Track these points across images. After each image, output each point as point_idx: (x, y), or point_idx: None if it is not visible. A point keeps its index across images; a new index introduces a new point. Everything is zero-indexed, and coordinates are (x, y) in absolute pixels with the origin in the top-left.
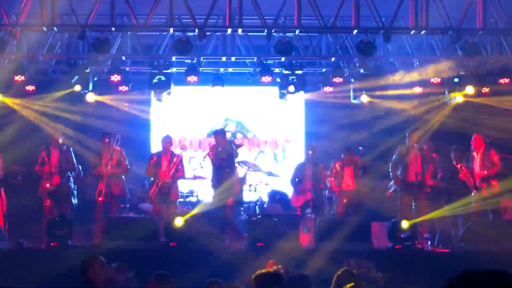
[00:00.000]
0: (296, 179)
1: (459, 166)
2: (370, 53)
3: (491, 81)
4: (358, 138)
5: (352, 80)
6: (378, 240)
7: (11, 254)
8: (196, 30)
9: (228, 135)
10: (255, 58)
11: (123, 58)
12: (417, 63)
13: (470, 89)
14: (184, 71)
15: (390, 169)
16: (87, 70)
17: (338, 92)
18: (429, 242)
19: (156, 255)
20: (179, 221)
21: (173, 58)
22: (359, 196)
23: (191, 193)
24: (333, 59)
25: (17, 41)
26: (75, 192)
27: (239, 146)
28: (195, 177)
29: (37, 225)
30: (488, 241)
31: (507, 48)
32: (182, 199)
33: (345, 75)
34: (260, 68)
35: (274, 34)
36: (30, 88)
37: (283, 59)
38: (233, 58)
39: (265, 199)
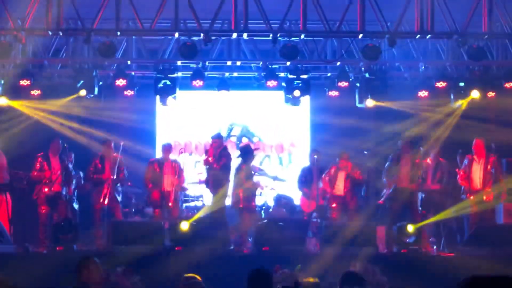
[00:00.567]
0: (303, 185)
1: (457, 170)
2: (375, 58)
3: (496, 86)
4: (364, 143)
5: (358, 84)
6: (384, 244)
7: (17, 258)
8: (202, 35)
9: (234, 139)
10: (261, 63)
11: (129, 62)
12: (423, 67)
13: (475, 93)
14: (189, 75)
15: (382, 175)
16: (93, 75)
17: (344, 96)
18: (435, 246)
19: (162, 259)
20: (184, 226)
21: (179, 63)
22: (348, 203)
23: (196, 197)
24: (338, 63)
25: (23, 46)
26: (74, 197)
27: (256, 149)
28: (200, 182)
29: (42, 229)
30: (494, 245)
31: None
32: (187, 204)
33: (351, 79)
34: (265, 73)
35: (279, 38)
36: (36, 92)
37: (288, 63)
38: (238, 63)
39: (271, 203)
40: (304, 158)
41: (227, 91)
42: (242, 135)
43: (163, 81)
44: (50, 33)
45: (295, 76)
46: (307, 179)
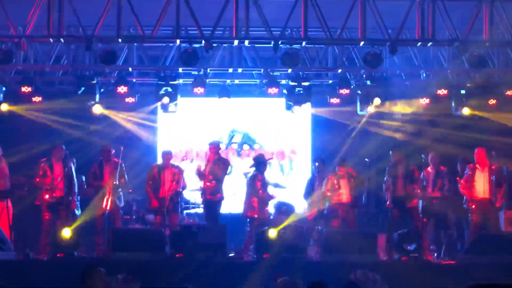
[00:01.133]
0: (308, 194)
1: (458, 178)
2: (376, 65)
3: (497, 93)
4: (365, 150)
5: (359, 91)
6: (385, 252)
7: (17, 265)
8: (203, 42)
9: (235, 146)
10: (262, 70)
11: (130, 69)
12: (424, 75)
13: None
14: (190, 82)
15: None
16: (94, 82)
17: (345, 104)
18: (435, 254)
19: (162, 267)
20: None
21: (180, 70)
22: (354, 207)
23: (197, 204)
24: (339, 70)
25: (24, 53)
26: (78, 203)
27: (269, 159)
28: (201, 189)
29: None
30: (495, 254)
31: None
32: (188, 210)
33: (352, 86)
34: (266, 80)
35: (280, 45)
36: (37, 99)
37: (289, 70)
38: (239, 70)
39: (272, 210)
40: (305, 165)
41: (228, 98)
42: (243, 142)
43: (164, 88)
44: (51, 40)
45: (296, 83)
46: (309, 189)
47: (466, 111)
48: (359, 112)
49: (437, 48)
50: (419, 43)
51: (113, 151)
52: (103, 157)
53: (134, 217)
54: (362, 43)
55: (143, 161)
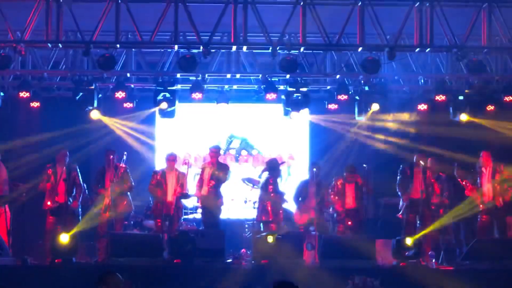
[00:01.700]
0: (300, 198)
1: (464, 182)
2: (375, 71)
3: (496, 99)
4: (362, 156)
5: (357, 97)
6: (383, 258)
7: (16, 271)
8: (201, 47)
9: (233, 152)
10: (260, 75)
11: (128, 75)
12: (422, 81)
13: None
14: (188, 88)
15: (397, 189)
16: (92, 87)
17: (343, 109)
18: (434, 260)
19: (160, 272)
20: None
21: (178, 75)
22: (360, 215)
23: (195, 209)
24: (338, 76)
25: (22, 58)
26: (79, 209)
27: (282, 163)
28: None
29: (41, 241)
30: (493, 259)
31: None
32: (186, 216)
33: (350, 92)
34: (264, 85)
35: (279, 51)
36: (35, 104)
37: (288, 76)
38: (238, 75)
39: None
40: (303, 171)
41: (227, 104)
42: (241, 147)
43: (162, 94)
44: (49, 45)
45: (294, 89)
46: (302, 192)
47: (464, 117)
48: (357, 118)
49: (435, 54)
50: (418, 49)
51: (116, 156)
52: (105, 162)
53: (132, 222)
54: (360, 49)
55: (141, 167)
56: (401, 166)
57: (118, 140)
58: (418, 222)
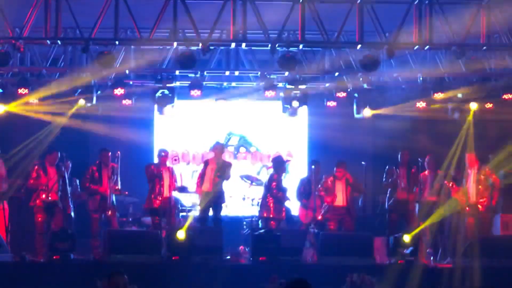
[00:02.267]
0: (303, 196)
1: (450, 184)
2: (374, 68)
3: (494, 97)
4: (361, 153)
5: (356, 94)
6: (381, 255)
7: (14, 267)
8: (200, 44)
9: (231, 149)
10: (259, 73)
11: (127, 71)
12: (421, 78)
13: (473, 105)
14: (187, 85)
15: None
16: (91, 84)
17: (341, 107)
18: (432, 257)
19: (158, 269)
20: (181, 234)
21: (177, 72)
22: (351, 213)
23: (193, 206)
24: (336, 74)
25: (21, 54)
26: (71, 206)
27: (287, 161)
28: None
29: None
30: (490, 257)
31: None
32: (184, 213)
33: (349, 90)
34: (263, 83)
35: (278, 48)
36: (34, 101)
37: (286, 73)
38: (236, 73)
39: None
40: (302, 168)
41: (225, 101)
42: (240, 145)
43: (161, 91)
44: (48, 42)
45: (293, 87)
46: (305, 190)
47: (461, 115)
48: (355, 115)
49: (434, 52)
50: (417, 47)
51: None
52: (102, 160)
53: (130, 219)
54: (359, 46)
55: (140, 164)
56: (387, 166)
57: (116, 137)
58: (405, 221)
